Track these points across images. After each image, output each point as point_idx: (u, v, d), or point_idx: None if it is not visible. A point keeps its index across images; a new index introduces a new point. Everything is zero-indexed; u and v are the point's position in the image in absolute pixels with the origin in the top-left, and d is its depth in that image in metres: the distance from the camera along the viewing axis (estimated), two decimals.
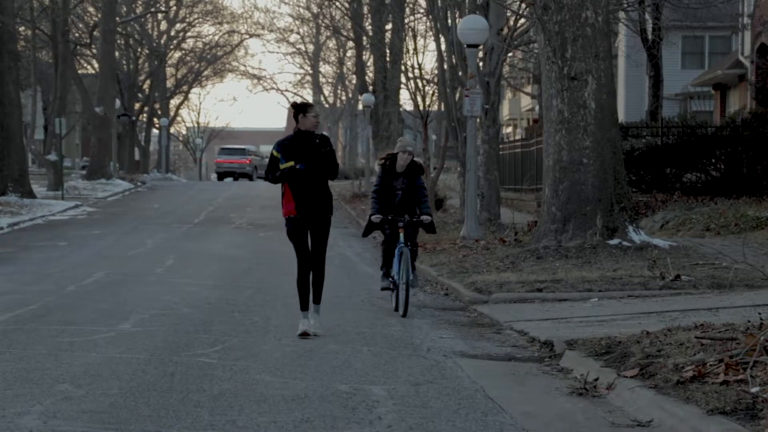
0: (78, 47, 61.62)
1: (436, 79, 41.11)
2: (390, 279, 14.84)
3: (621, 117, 40.47)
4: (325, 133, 13.47)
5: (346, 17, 61.82)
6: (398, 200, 14.90)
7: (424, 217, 14.80)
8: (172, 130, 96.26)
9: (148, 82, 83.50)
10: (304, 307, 12.69)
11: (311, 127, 12.63)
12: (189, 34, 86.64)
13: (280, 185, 12.82)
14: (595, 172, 20.17)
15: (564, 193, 20.24)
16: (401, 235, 14.59)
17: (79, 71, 64.07)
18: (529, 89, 67.40)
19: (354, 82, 75.13)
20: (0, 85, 41.49)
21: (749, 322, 10.38)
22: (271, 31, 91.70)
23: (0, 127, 41.36)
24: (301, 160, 12.56)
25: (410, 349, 11.84)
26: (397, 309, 14.60)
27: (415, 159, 15.12)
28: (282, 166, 12.59)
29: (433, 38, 39.35)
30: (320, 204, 12.68)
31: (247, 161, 73.56)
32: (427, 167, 42.53)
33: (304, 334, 12.37)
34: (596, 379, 9.63)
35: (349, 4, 55.77)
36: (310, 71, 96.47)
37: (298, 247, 12.70)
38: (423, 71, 43.44)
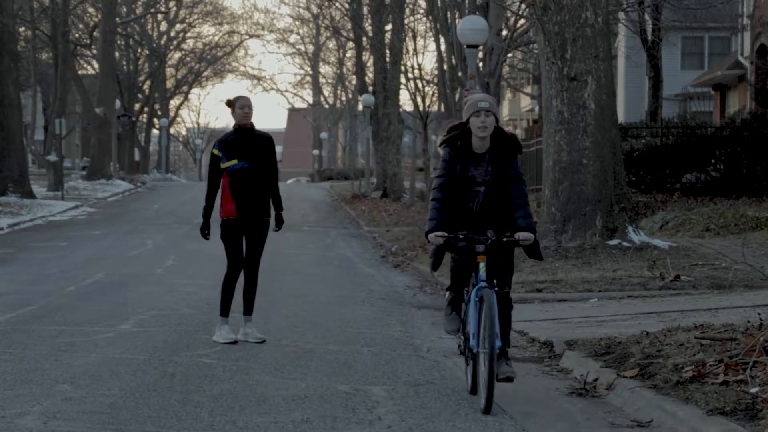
0: (78, 48, 61.62)
1: (435, 80, 41.13)
2: (460, 338, 9.37)
3: (621, 117, 40.49)
4: (266, 132, 12.40)
5: (345, 18, 61.82)
6: (478, 203, 9.17)
7: (523, 235, 8.93)
8: (172, 131, 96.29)
9: (148, 82, 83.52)
10: (225, 312, 11.93)
11: (242, 119, 11.93)
12: (189, 34, 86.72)
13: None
14: (594, 172, 20.17)
15: (564, 194, 20.24)
16: (482, 267, 8.92)
17: (79, 72, 64.08)
18: (528, 90, 67.42)
19: (354, 82, 75.13)
20: (0, 85, 41.49)
21: (749, 322, 10.38)
22: (271, 31, 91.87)
23: (0, 128, 41.37)
24: (244, 158, 11.90)
25: (410, 349, 11.84)
26: (473, 392, 9.13)
27: (505, 129, 9.35)
28: (223, 166, 11.89)
29: (433, 39, 39.41)
30: (261, 206, 11.98)
31: None
32: (427, 167, 42.60)
33: (233, 342, 11.73)
34: (596, 380, 9.64)
35: (349, 5, 55.77)
36: (310, 72, 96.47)
37: (232, 250, 11.92)
38: (423, 72, 43.55)
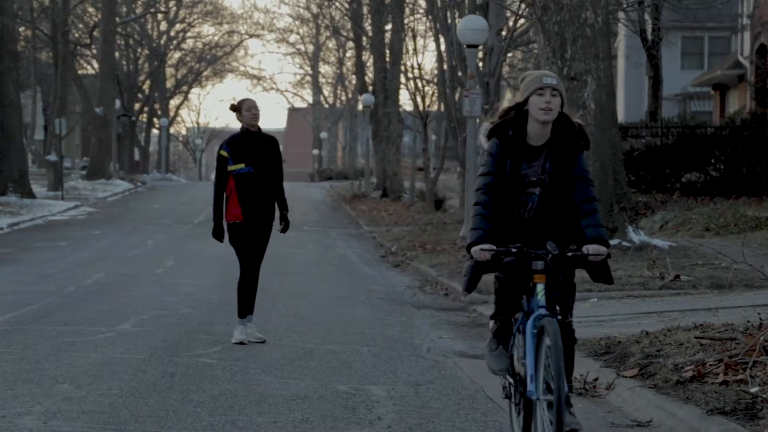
0: (78, 47, 61.63)
1: (435, 80, 41.13)
2: (506, 378, 7.48)
3: (620, 117, 40.48)
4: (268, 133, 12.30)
5: (345, 17, 61.83)
6: (531, 209, 7.29)
7: (593, 248, 7.07)
8: (171, 131, 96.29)
9: (148, 82, 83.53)
10: (243, 313, 11.98)
11: (251, 121, 11.89)
12: (189, 34, 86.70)
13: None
14: (594, 172, 20.15)
15: None
16: (540, 289, 7.06)
17: (79, 71, 64.10)
18: None
19: (354, 82, 75.12)
20: (0, 85, 41.50)
21: (749, 322, 10.38)
22: (271, 31, 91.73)
23: (0, 128, 41.38)
24: (251, 162, 11.85)
25: (410, 349, 11.84)
26: None
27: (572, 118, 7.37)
28: (230, 168, 11.84)
29: (432, 38, 39.40)
30: (267, 210, 11.97)
31: None
32: (427, 167, 42.62)
33: (241, 343, 11.79)
34: (596, 379, 9.64)
35: (349, 5, 55.77)
36: (310, 71, 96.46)
37: (244, 253, 11.95)
38: (423, 71, 43.51)
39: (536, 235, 7.20)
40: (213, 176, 13.49)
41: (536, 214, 7.23)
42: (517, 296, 7.26)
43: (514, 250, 7.05)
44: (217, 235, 11.97)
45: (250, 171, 11.80)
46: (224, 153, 11.86)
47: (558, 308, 7.07)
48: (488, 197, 7.21)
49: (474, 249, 7.08)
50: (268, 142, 12.01)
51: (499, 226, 7.21)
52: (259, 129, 11.98)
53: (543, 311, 6.95)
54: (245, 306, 11.96)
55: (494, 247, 7.05)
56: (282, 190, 12.15)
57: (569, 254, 7.05)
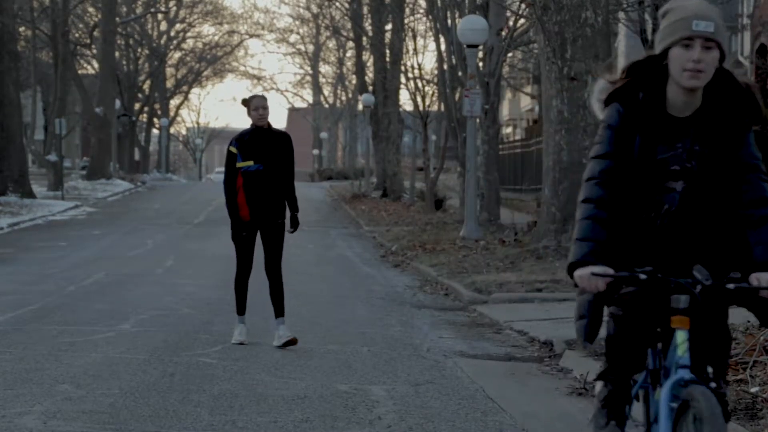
0: (78, 47, 61.64)
1: (435, 80, 41.14)
2: None
3: None
4: (284, 130, 11.99)
5: (345, 17, 61.85)
6: (671, 211, 4.89)
7: (765, 279, 4.61)
8: (172, 131, 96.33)
9: (148, 82, 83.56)
10: (239, 310, 11.90)
11: (257, 121, 11.66)
12: (189, 34, 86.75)
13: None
14: None
15: (564, 194, 20.24)
16: (681, 337, 4.70)
17: (79, 71, 64.10)
18: (529, 89, 67.43)
19: (354, 82, 75.16)
20: (0, 85, 41.50)
21: (749, 322, 10.37)
22: (271, 31, 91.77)
23: (0, 128, 41.39)
24: (259, 159, 11.63)
25: (410, 349, 11.84)
26: None
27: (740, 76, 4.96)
28: (238, 165, 11.62)
29: (432, 38, 39.40)
30: (275, 209, 11.72)
31: None
32: (427, 167, 42.63)
33: (241, 344, 11.67)
34: (596, 379, 9.62)
35: (349, 5, 55.79)
36: (310, 71, 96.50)
37: (241, 251, 11.74)
38: (423, 71, 43.51)
39: (676, 252, 4.86)
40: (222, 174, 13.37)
41: (676, 221, 4.87)
42: (641, 346, 5.08)
43: (643, 276, 4.66)
44: (239, 231, 11.75)
45: (258, 169, 11.60)
46: (233, 149, 11.67)
47: (710, 370, 4.80)
48: (604, 191, 4.82)
49: (580, 273, 4.82)
50: (280, 139, 11.77)
51: (618, 236, 4.87)
52: (269, 126, 11.78)
53: (687, 374, 4.63)
54: (242, 303, 11.88)
55: (611, 271, 4.72)
56: (293, 189, 11.88)
57: (730, 286, 4.63)
